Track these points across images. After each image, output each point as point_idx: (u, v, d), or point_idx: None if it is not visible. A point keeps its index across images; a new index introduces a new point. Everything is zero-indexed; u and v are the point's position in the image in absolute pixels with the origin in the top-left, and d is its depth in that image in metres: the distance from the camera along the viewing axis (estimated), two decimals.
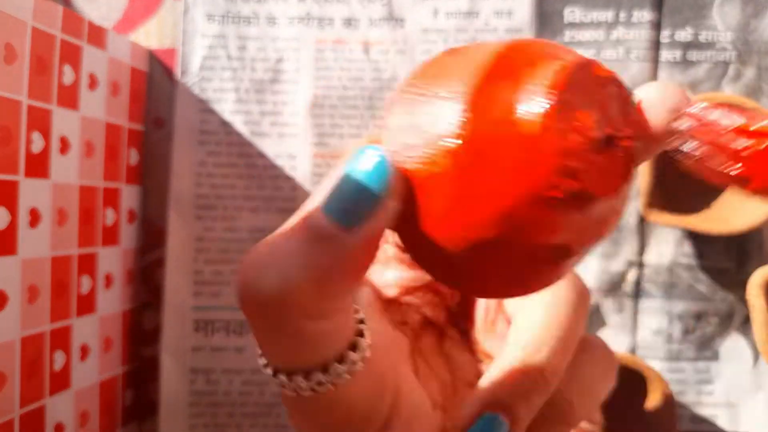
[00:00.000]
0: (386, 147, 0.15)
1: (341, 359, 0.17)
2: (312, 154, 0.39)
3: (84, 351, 0.34)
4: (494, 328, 0.24)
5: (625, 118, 0.15)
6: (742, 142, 0.15)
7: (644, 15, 0.38)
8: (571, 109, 0.14)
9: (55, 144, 0.31)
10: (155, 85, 0.40)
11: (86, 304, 0.34)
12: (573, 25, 0.38)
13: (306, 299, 0.15)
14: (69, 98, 0.32)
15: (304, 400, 0.17)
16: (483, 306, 0.25)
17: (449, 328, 0.25)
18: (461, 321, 0.25)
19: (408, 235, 0.16)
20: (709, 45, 0.38)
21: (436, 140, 0.15)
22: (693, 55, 0.38)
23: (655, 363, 0.38)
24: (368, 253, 0.16)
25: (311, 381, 0.16)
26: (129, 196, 0.38)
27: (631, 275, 0.39)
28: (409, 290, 0.23)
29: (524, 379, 0.19)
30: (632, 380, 0.36)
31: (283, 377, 0.17)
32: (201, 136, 0.39)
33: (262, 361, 0.17)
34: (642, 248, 0.39)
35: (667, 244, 0.39)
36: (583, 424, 0.25)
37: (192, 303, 0.39)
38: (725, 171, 0.15)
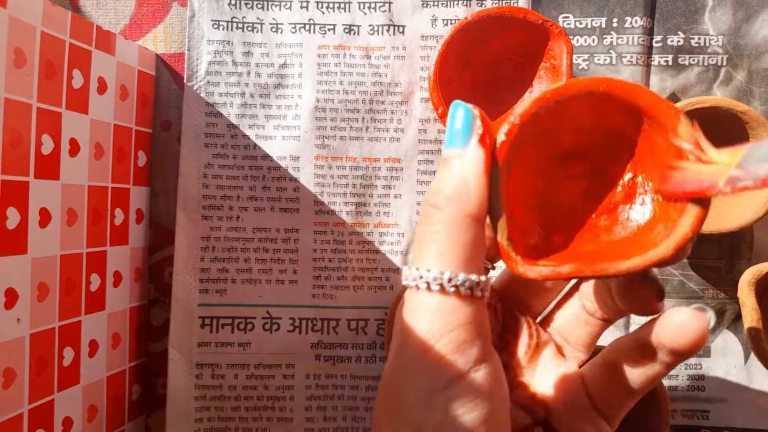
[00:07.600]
0: None
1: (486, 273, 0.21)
2: (314, 156, 0.39)
3: (92, 347, 0.33)
4: (536, 357, 0.25)
5: None
6: None
7: (637, 21, 0.37)
8: None
9: (64, 146, 0.31)
10: (163, 89, 0.39)
11: (95, 302, 0.34)
12: (567, 31, 0.37)
13: None
14: (78, 102, 0.32)
15: (448, 300, 0.20)
16: (526, 335, 0.25)
17: None
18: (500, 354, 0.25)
19: None
20: (700, 49, 0.37)
21: None
22: (684, 59, 0.37)
23: None
24: None
25: (480, 281, 0.20)
26: (137, 196, 0.38)
27: None
28: None
29: None
30: None
31: (462, 276, 0.20)
32: (207, 139, 0.39)
33: (432, 273, 0.20)
34: None
35: None
36: None
37: (198, 300, 0.38)
38: None
